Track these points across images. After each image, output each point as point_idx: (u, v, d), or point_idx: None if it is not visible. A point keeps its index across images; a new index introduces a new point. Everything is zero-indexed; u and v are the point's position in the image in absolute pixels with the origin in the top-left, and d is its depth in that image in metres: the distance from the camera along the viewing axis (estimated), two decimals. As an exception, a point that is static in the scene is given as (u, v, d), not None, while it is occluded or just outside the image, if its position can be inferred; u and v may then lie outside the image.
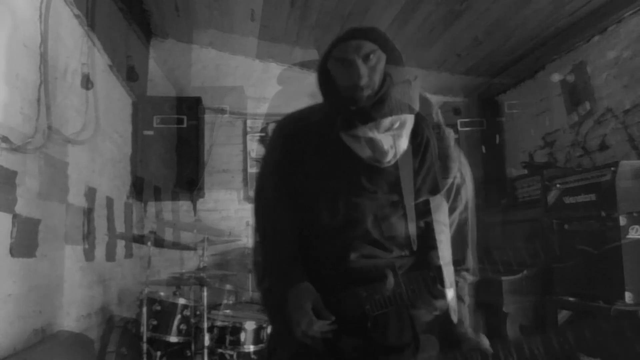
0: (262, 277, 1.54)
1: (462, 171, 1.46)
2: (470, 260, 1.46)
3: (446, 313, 1.36)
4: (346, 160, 1.33)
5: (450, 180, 1.42)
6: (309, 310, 1.31)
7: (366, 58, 1.21)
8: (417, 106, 1.25)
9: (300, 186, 1.43)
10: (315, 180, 1.40)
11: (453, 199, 1.44)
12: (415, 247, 1.40)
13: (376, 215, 1.39)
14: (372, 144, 1.23)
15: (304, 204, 1.43)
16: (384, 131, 1.21)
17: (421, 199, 1.42)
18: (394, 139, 1.24)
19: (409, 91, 1.23)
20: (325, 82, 1.28)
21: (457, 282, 1.37)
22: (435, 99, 5.02)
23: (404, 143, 1.27)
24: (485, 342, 1.23)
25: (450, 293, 1.31)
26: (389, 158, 1.27)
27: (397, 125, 1.22)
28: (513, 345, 1.21)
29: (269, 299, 1.55)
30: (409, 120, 1.25)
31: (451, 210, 1.45)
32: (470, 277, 1.44)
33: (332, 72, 1.25)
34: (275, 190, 1.47)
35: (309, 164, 1.40)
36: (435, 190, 1.44)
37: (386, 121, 1.19)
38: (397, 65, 1.24)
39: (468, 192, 1.48)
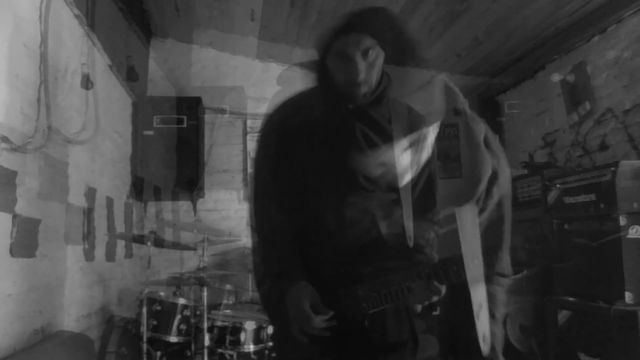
0: (262, 279, 1.54)
1: (496, 168, 1.39)
2: (505, 262, 1.35)
3: (471, 337, 1.22)
4: (345, 154, 1.32)
5: (481, 188, 1.35)
6: (306, 307, 1.31)
7: (365, 54, 1.21)
8: (439, 108, 1.22)
9: (297, 183, 1.42)
10: (312, 178, 1.40)
11: (484, 199, 1.36)
12: (411, 244, 1.39)
13: (377, 214, 1.39)
14: (392, 167, 1.21)
15: (302, 202, 1.42)
16: (401, 152, 1.20)
17: (445, 212, 1.39)
18: (414, 154, 1.22)
19: (432, 92, 1.22)
20: (324, 76, 1.27)
21: (491, 293, 1.20)
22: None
23: (426, 154, 1.25)
24: None
25: (482, 317, 1.14)
26: (413, 176, 1.25)
27: (417, 140, 1.21)
28: None
29: (269, 300, 1.55)
30: (432, 131, 1.23)
31: (480, 212, 1.38)
32: (506, 282, 1.35)
33: (330, 66, 1.25)
34: (272, 188, 1.46)
35: (305, 158, 1.39)
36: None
37: (404, 142, 1.18)
38: (409, 63, 1.23)
39: (501, 190, 1.39)
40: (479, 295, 1.12)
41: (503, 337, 1.21)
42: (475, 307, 1.12)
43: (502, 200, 1.35)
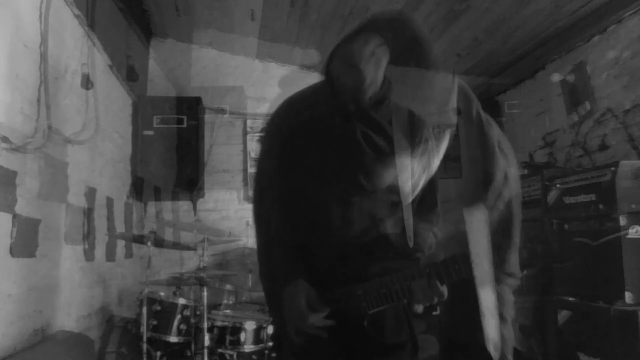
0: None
1: (507, 170, 1.40)
2: (513, 262, 1.33)
3: (483, 349, 1.19)
4: (347, 155, 1.32)
5: (495, 184, 1.36)
6: (301, 305, 1.31)
7: (370, 56, 1.20)
8: (452, 110, 1.23)
9: (299, 182, 1.42)
10: (314, 177, 1.40)
11: (496, 198, 1.35)
12: (411, 245, 1.39)
13: (377, 215, 1.39)
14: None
15: (303, 201, 1.42)
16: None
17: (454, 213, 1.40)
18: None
19: (444, 94, 1.22)
20: (330, 79, 1.27)
21: (499, 295, 1.18)
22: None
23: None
24: None
25: (491, 322, 1.13)
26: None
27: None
28: None
29: (272, 292, 1.55)
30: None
31: (489, 209, 1.38)
32: (514, 282, 1.34)
33: (336, 69, 1.24)
34: (274, 187, 1.46)
35: (307, 158, 1.39)
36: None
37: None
38: (416, 64, 1.24)
39: (511, 190, 1.40)
40: (487, 299, 1.09)
41: (513, 339, 1.19)
42: (484, 311, 1.08)
43: (512, 200, 1.34)
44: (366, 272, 1.37)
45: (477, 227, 1.14)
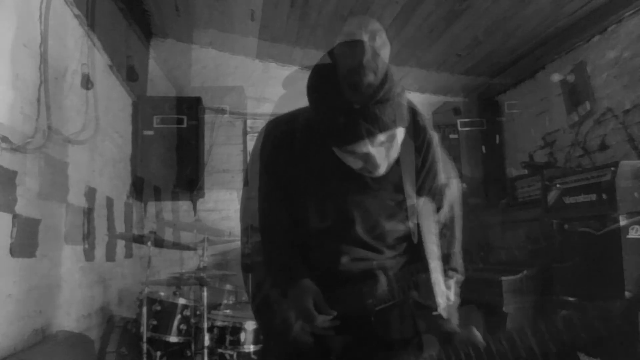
0: (256, 292, 1.55)
1: (447, 172, 1.47)
2: (457, 259, 1.47)
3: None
4: (337, 163, 1.31)
5: (437, 183, 1.43)
6: (310, 305, 1.31)
7: (372, 37, 1.17)
8: (406, 114, 1.23)
9: (301, 181, 1.41)
10: (317, 176, 1.39)
11: (438, 199, 1.45)
12: (416, 241, 1.39)
13: (382, 214, 1.39)
14: (367, 157, 1.21)
15: (305, 200, 1.41)
16: (378, 145, 1.19)
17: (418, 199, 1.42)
18: (386, 150, 1.22)
19: (405, 99, 1.22)
20: (326, 80, 1.23)
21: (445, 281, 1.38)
22: (434, 99, 5.02)
23: (395, 152, 1.25)
24: (476, 334, 1.23)
25: (440, 287, 1.32)
26: (382, 170, 1.25)
27: (390, 137, 1.19)
28: (505, 338, 1.19)
29: (262, 314, 1.55)
30: (400, 131, 1.22)
31: (436, 211, 1.46)
32: (460, 278, 1.44)
33: (337, 58, 1.17)
34: (275, 186, 1.45)
35: (310, 156, 1.38)
36: (439, 189, 1.45)
37: (381, 136, 1.17)
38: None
39: (453, 193, 1.49)
40: (436, 268, 1.34)
41: (456, 315, 1.40)
42: (434, 278, 1.33)
43: (454, 202, 1.48)
44: (370, 271, 1.38)
45: (427, 213, 1.40)
